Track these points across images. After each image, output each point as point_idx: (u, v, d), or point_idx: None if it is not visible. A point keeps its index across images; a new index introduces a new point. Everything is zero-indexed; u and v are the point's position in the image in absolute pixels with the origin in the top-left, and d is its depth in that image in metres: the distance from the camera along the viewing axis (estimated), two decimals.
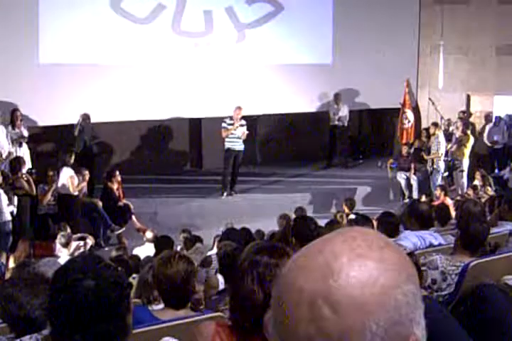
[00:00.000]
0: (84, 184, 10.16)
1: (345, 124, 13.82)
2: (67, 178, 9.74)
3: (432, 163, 12.88)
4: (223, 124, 11.64)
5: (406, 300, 0.83)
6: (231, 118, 11.65)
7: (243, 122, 11.73)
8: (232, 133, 11.61)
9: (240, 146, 11.74)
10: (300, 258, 0.87)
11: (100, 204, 10.06)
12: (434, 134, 12.83)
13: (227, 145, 11.70)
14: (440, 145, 12.70)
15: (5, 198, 8.85)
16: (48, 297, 1.83)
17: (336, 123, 13.75)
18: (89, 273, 1.75)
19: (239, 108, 11.63)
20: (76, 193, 9.85)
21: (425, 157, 12.84)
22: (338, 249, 0.85)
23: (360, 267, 0.83)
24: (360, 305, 0.81)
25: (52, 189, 9.74)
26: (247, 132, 11.73)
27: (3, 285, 2.88)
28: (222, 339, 1.98)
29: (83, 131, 10.88)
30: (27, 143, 10.36)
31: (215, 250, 7.36)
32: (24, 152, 10.28)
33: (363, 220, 6.35)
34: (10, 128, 10.21)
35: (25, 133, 10.33)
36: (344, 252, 0.84)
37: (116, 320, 1.75)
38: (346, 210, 9.57)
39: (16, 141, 10.21)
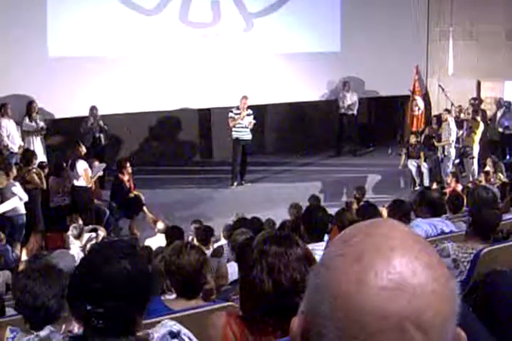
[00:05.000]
0: (100, 173, 10.23)
1: (355, 112, 13.77)
2: (82, 171, 9.77)
3: (443, 150, 12.82)
4: (230, 114, 11.66)
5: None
6: (238, 107, 11.66)
7: (250, 111, 11.74)
8: (239, 123, 11.62)
9: (247, 136, 11.75)
10: (368, 275, 0.77)
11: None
12: (445, 120, 12.76)
13: (235, 135, 11.73)
14: (451, 132, 12.64)
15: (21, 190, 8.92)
16: (79, 265, 1.87)
17: (344, 111, 13.71)
18: (125, 254, 1.81)
19: (245, 97, 11.63)
20: (90, 185, 9.89)
21: (436, 144, 12.78)
22: (406, 259, 0.78)
23: (434, 279, 0.78)
24: (443, 319, 0.78)
25: (66, 181, 9.81)
26: (253, 121, 11.74)
27: (17, 277, 2.92)
28: (233, 330, 1.99)
29: (92, 123, 10.93)
30: (44, 135, 10.41)
31: (222, 240, 7.38)
32: (38, 145, 10.31)
33: (369, 208, 6.33)
34: (27, 120, 10.23)
35: (43, 125, 10.35)
36: (415, 264, 0.78)
37: (129, 306, 1.78)
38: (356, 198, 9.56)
39: (35, 134, 10.22)
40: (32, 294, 2.70)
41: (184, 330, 1.94)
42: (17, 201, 8.72)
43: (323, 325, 0.79)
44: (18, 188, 8.79)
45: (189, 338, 1.92)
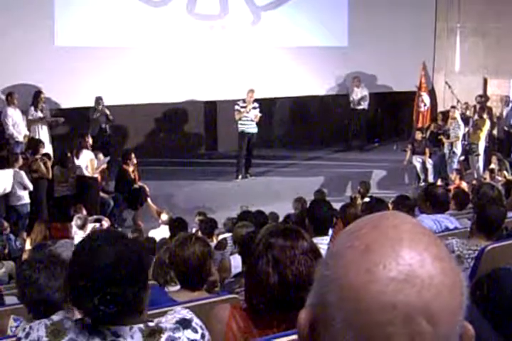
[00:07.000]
0: (104, 166, 10.23)
1: (366, 107, 13.73)
2: (87, 161, 9.77)
3: (451, 147, 12.77)
4: (236, 107, 11.67)
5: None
6: (244, 101, 11.66)
7: (256, 105, 11.73)
8: (245, 116, 11.62)
9: (253, 129, 11.75)
10: (377, 267, 0.77)
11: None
12: (454, 118, 12.71)
13: (241, 128, 11.73)
14: (460, 128, 12.61)
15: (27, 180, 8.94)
16: (70, 263, 1.90)
17: (352, 106, 13.69)
18: (109, 239, 1.85)
19: (251, 90, 11.63)
20: (96, 176, 9.91)
21: (444, 140, 12.74)
22: (415, 251, 0.78)
23: (443, 270, 0.78)
24: (452, 311, 0.78)
25: (71, 172, 9.82)
26: (259, 115, 11.74)
27: (21, 267, 2.90)
28: (238, 322, 1.99)
29: (98, 114, 10.94)
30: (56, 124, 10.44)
31: (226, 233, 7.39)
32: (44, 135, 10.32)
33: (378, 203, 6.32)
34: (33, 110, 10.24)
35: (48, 116, 10.37)
36: (424, 255, 0.78)
37: (133, 286, 1.81)
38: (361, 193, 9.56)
39: (41, 122, 10.25)
40: (36, 286, 2.67)
41: (196, 320, 1.96)
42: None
43: (331, 315, 0.79)
44: (16, 176, 8.80)
45: (201, 327, 1.93)
